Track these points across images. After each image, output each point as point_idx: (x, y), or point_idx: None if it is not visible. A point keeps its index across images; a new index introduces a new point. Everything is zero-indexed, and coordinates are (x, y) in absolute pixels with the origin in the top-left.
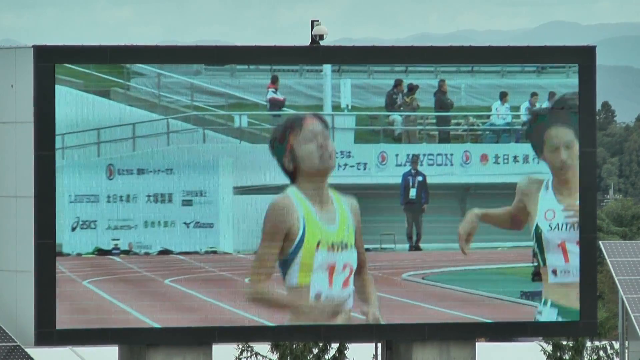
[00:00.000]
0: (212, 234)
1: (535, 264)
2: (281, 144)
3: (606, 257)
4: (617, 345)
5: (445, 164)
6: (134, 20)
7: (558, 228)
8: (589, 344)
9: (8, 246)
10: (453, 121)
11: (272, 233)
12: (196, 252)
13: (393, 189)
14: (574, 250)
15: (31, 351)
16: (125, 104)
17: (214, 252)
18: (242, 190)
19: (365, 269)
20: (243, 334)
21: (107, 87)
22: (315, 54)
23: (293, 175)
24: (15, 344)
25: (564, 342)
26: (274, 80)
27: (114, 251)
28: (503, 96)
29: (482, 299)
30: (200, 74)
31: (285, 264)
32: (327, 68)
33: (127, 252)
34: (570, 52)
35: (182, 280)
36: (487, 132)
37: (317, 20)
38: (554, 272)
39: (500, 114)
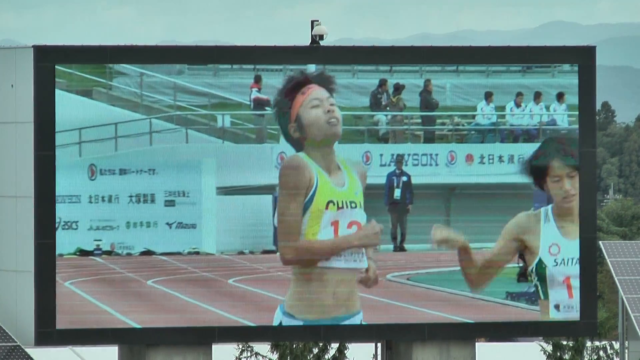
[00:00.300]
0: (195, 235)
1: (521, 264)
2: (285, 112)
3: (606, 257)
4: (617, 345)
5: (430, 164)
6: (134, 20)
7: (564, 263)
8: (589, 344)
9: (8, 246)
10: (438, 121)
11: (293, 188)
12: (179, 253)
13: (377, 189)
14: (578, 286)
15: (31, 351)
16: (107, 103)
17: (197, 253)
18: (225, 191)
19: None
20: (243, 334)
21: (90, 87)
22: (313, 53)
23: (299, 143)
24: (15, 344)
25: (564, 342)
26: (257, 80)
27: (96, 252)
28: (488, 96)
29: (467, 300)
30: (183, 73)
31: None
32: (310, 68)
33: (109, 253)
34: (570, 52)
35: (164, 281)
36: (473, 132)
37: (317, 20)
38: (557, 307)
39: (485, 113)
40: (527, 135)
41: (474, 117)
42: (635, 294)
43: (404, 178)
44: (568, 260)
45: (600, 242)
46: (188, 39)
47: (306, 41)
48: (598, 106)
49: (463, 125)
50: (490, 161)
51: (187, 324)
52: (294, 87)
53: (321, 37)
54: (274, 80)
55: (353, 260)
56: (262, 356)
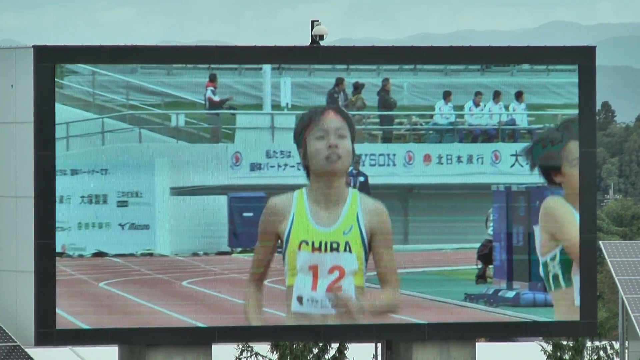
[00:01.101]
0: (148, 236)
1: (480, 266)
2: (299, 137)
3: (606, 257)
4: (617, 345)
5: (388, 164)
6: (134, 20)
7: None
8: (589, 344)
9: (8, 246)
10: (396, 121)
11: (264, 234)
12: (132, 255)
13: None
14: None
15: (31, 351)
16: (59, 102)
17: (150, 254)
18: (179, 191)
19: (384, 272)
20: (243, 334)
21: None
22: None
23: (307, 170)
24: (15, 344)
25: (564, 342)
26: (213, 79)
27: None
28: (447, 95)
29: (426, 302)
30: (136, 72)
31: (283, 264)
32: (266, 67)
33: (60, 255)
34: (570, 52)
35: (117, 282)
36: (431, 132)
37: (317, 21)
38: None
39: (443, 113)
40: (486, 135)
41: (432, 116)
42: (635, 294)
43: (361, 178)
44: None
45: (600, 242)
46: (188, 39)
47: (306, 41)
48: (598, 106)
49: (421, 125)
50: (449, 161)
51: (138, 325)
52: (313, 112)
53: (321, 37)
54: (230, 79)
55: (314, 308)
56: (262, 356)
